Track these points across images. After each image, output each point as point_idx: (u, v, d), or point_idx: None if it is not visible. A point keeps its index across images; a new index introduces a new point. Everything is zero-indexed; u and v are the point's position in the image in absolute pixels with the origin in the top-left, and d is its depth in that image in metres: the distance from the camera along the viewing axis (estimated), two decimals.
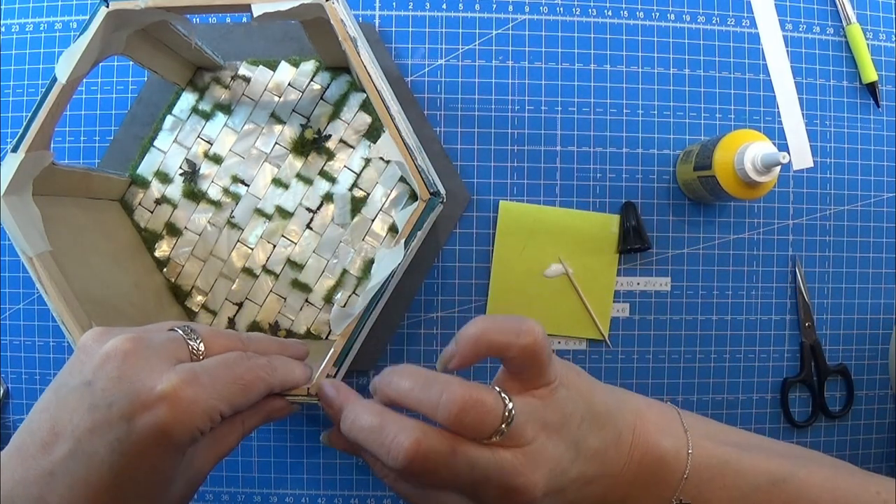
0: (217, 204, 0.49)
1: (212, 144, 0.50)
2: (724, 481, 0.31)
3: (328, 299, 0.49)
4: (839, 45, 0.52)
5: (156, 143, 0.50)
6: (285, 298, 0.49)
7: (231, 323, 0.49)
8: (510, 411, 0.26)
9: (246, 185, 0.49)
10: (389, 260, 0.36)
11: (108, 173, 0.47)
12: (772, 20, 0.52)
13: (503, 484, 0.26)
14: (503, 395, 0.27)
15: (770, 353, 0.51)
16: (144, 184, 0.49)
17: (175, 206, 0.49)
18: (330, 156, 0.49)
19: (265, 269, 0.49)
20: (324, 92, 0.49)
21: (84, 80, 0.41)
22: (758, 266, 0.51)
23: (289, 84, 0.49)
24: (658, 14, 0.51)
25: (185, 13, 0.37)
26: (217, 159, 0.49)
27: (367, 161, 0.49)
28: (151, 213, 0.49)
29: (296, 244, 0.49)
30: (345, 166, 0.49)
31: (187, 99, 0.50)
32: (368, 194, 0.49)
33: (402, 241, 0.36)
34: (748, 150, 0.41)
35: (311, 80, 0.49)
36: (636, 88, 0.51)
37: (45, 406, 0.27)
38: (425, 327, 0.50)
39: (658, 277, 0.51)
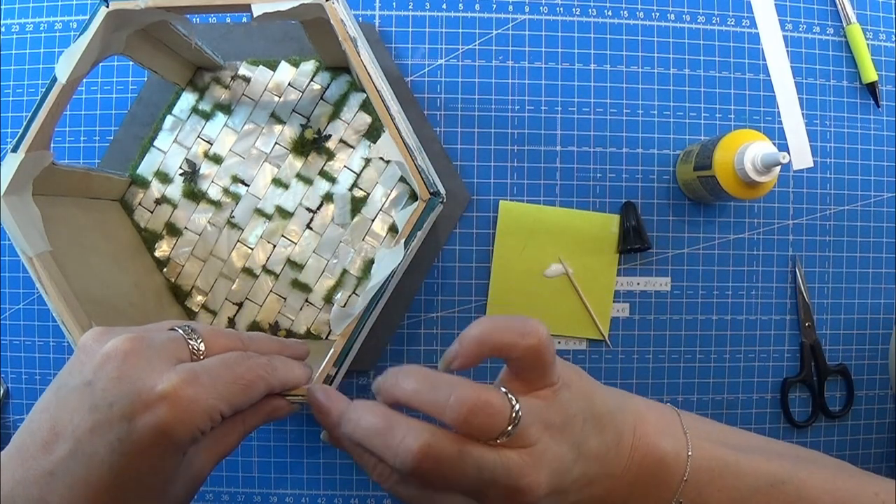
0: (217, 204, 0.49)
1: (212, 144, 0.50)
2: (724, 483, 0.31)
3: (328, 299, 0.49)
4: (839, 45, 0.52)
5: (156, 143, 0.50)
6: (285, 298, 0.49)
7: (231, 323, 0.49)
8: (517, 412, 0.26)
9: (246, 185, 0.49)
10: (389, 260, 0.36)
11: (108, 173, 0.47)
12: (772, 20, 0.52)
13: (508, 485, 0.26)
14: (510, 396, 0.27)
15: (770, 353, 0.51)
16: (144, 184, 0.49)
17: (175, 206, 0.49)
18: (330, 156, 0.49)
19: (265, 269, 0.49)
20: (324, 92, 0.49)
21: (84, 80, 0.41)
22: (758, 266, 0.51)
23: (289, 84, 0.49)
24: (658, 14, 0.51)
25: (185, 13, 0.37)
26: (217, 159, 0.49)
27: (367, 161, 0.49)
28: (151, 213, 0.49)
29: (296, 244, 0.49)
30: (345, 166, 0.49)
31: (187, 99, 0.50)
32: (368, 194, 0.49)
33: (402, 241, 0.36)
34: (748, 150, 0.41)
35: (311, 80, 0.49)
36: (636, 88, 0.51)
37: (45, 406, 0.27)
38: (425, 327, 0.50)
39: (658, 277, 0.51)
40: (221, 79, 0.50)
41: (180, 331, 0.30)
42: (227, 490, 0.50)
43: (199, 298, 0.49)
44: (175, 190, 0.49)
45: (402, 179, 0.49)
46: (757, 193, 0.44)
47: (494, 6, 0.51)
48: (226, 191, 0.49)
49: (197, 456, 0.30)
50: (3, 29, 0.51)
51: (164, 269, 0.49)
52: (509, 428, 0.26)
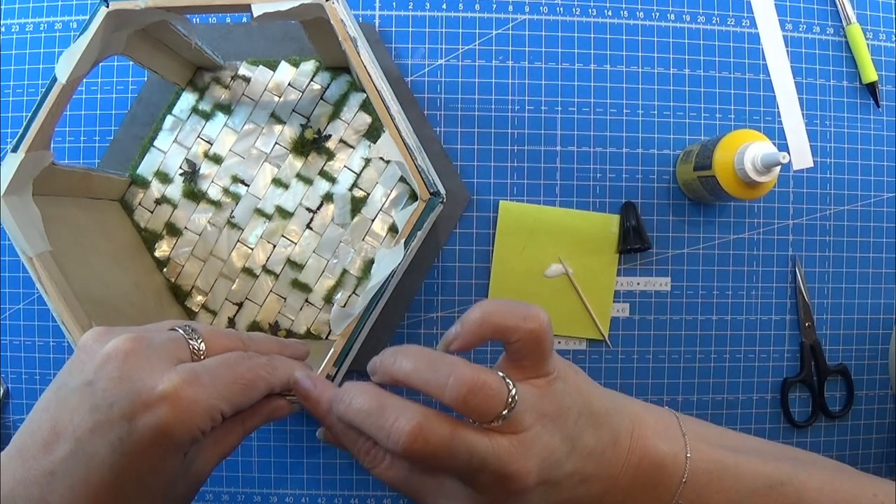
0: (217, 204, 0.49)
1: (212, 144, 0.50)
2: (723, 485, 0.31)
3: (328, 299, 0.49)
4: (839, 45, 0.52)
5: (156, 143, 0.50)
6: (285, 298, 0.49)
7: (231, 323, 0.49)
8: (513, 397, 0.26)
9: (246, 185, 0.49)
10: (389, 260, 0.36)
11: (108, 173, 0.47)
12: (772, 20, 0.52)
13: (497, 470, 0.26)
14: (507, 380, 0.27)
15: (770, 353, 0.51)
16: (144, 184, 0.49)
17: (175, 206, 0.49)
18: (330, 156, 0.49)
19: (265, 269, 0.49)
20: (324, 92, 0.49)
21: (84, 80, 0.41)
22: (758, 266, 0.51)
23: (289, 84, 0.49)
24: (658, 14, 0.51)
25: (185, 13, 0.37)
26: (217, 159, 0.49)
27: (367, 161, 0.49)
28: (151, 213, 0.49)
29: (296, 244, 0.49)
30: (345, 166, 0.49)
31: (187, 99, 0.50)
32: (368, 194, 0.49)
33: (402, 241, 0.36)
34: (748, 150, 0.41)
35: (311, 80, 0.49)
36: (636, 88, 0.51)
37: (45, 406, 0.27)
38: (425, 327, 0.50)
39: (658, 277, 0.51)
40: (221, 79, 0.50)
41: (181, 331, 0.30)
42: (227, 490, 0.50)
43: (199, 298, 0.49)
44: (175, 190, 0.49)
45: (402, 179, 0.49)
46: (757, 193, 0.44)
47: (494, 6, 0.51)
48: (226, 191, 0.49)
49: (197, 456, 0.30)
50: (3, 29, 0.51)
51: (164, 269, 0.49)
52: (505, 412, 0.26)
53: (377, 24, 0.50)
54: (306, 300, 0.49)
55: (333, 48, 0.44)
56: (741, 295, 0.51)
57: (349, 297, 0.49)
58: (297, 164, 0.49)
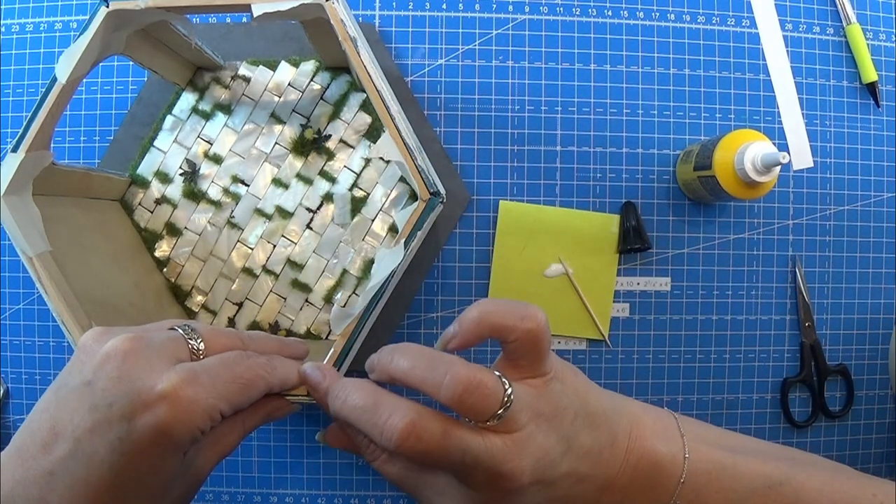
0: (217, 204, 0.49)
1: (212, 144, 0.50)
2: (721, 485, 0.31)
3: (328, 299, 0.49)
4: (839, 45, 0.52)
5: (156, 143, 0.50)
6: (285, 298, 0.49)
7: (231, 323, 0.49)
8: (509, 396, 0.26)
9: (246, 185, 0.49)
10: (389, 260, 0.36)
11: (108, 173, 0.47)
12: (772, 20, 0.52)
13: (491, 469, 0.27)
14: (503, 379, 0.27)
15: (770, 353, 0.51)
16: (144, 184, 0.49)
17: (175, 206, 0.49)
18: (330, 156, 0.49)
19: (265, 269, 0.49)
20: (324, 92, 0.49)
21: (84, 80, 0.41)
22: (758, 266, 0.51)
23: (289, 84, 0.49)
24: (658, 14, 0.51)
25: (185, 13, 0.37)
26: (217, 159, 0.49)
27: (367, 161, 0.49)
28: (151, 213, 0.49)
29: (296, 244, 0.49)
30: (345, 166, 0.49)
31: (187, 99, 0.50)
32: (368, 194, 0.49)
33: (402, 241, 0.36)
34: (748, 150, 0.41)
35: (311, 80, 0.49)
36: (636, 88, 0.51)
37: (45, 406, 0.27)
38: (425, 327, 0.50)
39: (658, 277, 0.51)
40: (221, 79, 0.50)
41: (180, 330, 0.30)
42: (227, 490, 0.50)
43: (199, 298, 0.49)
44: (175, 190, 0.49)
45: (402, 179, 0.49)
46: (757, 193, 0.44)
47: (494, 6, 0.51)
48: (226, 191, 0.49)
49: (197, 456, 0.30)
50: (3, 29, 0.51)
51: (164, 269, 0.49)
52: (500, 411, 0.26)
53: (377, 24, 0.50)
54: (306, 300, 0.49)
55: (333, 48, 0.44)
56: (741, 295, 0.51)
57: (349, 297, 0.49)
58: (297, 164, 0.49)
